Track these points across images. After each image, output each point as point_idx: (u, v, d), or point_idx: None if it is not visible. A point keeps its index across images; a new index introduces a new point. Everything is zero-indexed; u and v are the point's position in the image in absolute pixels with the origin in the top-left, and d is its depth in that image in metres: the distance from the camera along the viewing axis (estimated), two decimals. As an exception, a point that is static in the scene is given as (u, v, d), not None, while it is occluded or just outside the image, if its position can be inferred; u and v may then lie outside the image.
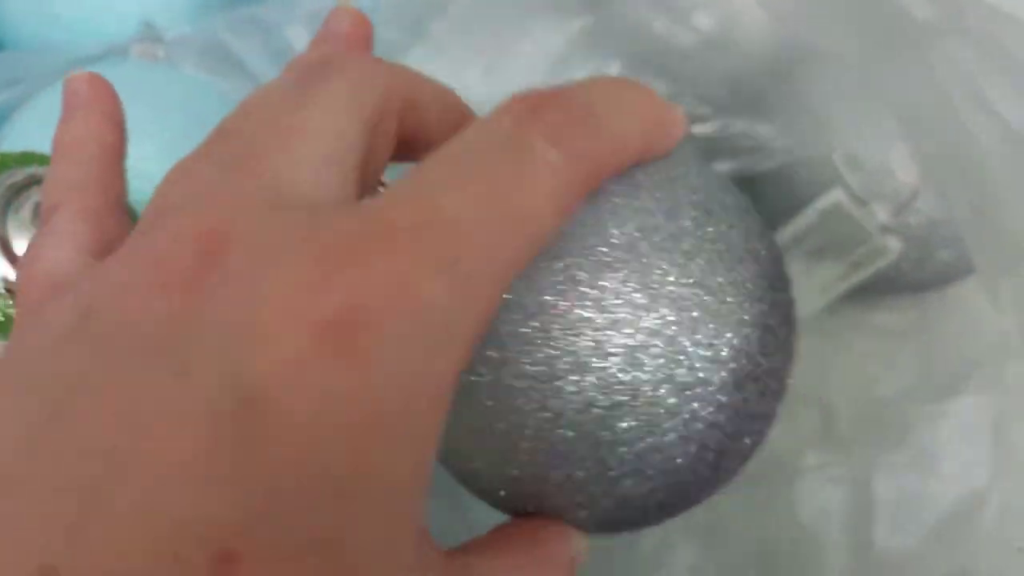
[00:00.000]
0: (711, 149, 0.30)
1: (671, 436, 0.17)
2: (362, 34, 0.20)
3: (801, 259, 0.33)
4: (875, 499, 0.29)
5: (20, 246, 0.22)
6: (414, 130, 0.18)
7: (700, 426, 0.17)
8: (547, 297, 0.16)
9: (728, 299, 0.17)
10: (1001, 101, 0.21)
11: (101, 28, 0.35)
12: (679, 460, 0.17)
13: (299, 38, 0.31)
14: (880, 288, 0.33)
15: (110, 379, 0.13)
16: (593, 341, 0.16)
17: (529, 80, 0.27)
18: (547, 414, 0.16)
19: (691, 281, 0.17)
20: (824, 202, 0.32)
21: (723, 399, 0.17)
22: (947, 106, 0.22)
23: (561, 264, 0.16)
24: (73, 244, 0.17)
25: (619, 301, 0.16)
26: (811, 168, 0.33)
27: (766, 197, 0.35)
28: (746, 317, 0.17)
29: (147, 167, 0.29)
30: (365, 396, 0.13)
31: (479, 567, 0.17)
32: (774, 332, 0.18)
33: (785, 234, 0.33)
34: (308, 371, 0.12)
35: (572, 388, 0.16)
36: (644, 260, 0.16)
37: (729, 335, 0.17)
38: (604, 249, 0.16)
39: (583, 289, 0.16)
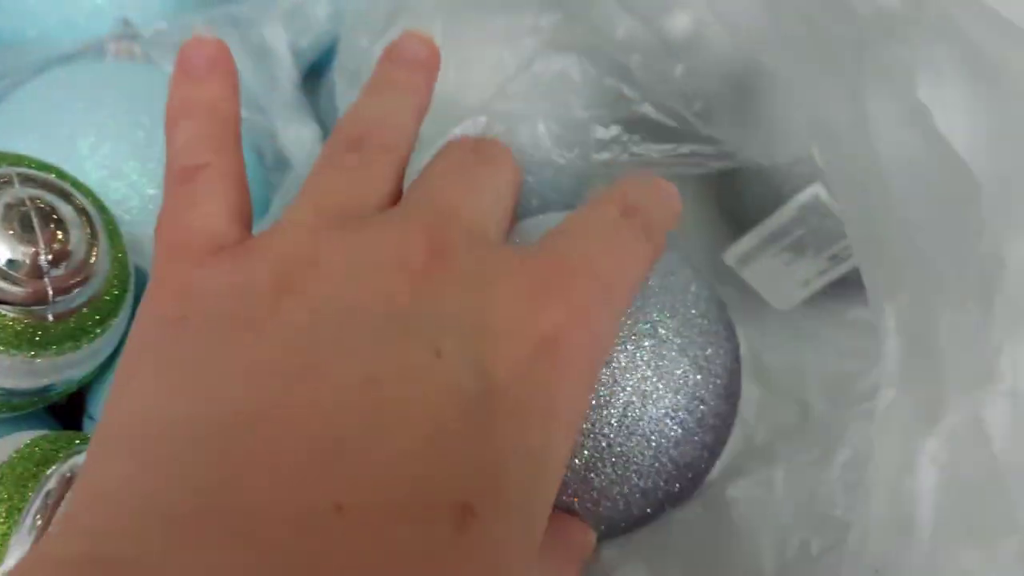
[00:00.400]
0: (674, 156, 0.30)
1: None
2: (435, 63, 0.21)
3: (781, 254, 0.34)
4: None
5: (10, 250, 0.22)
6: None
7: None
8: None
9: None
10: (947, 109, 0.21)
11: (74, 25, 0.35)
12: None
13: (276, 36, 0.30)
14: (859, 284, 0.34)
15: (359, 345, 0.15)
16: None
17: (497, 79, 0.27)
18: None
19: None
20: (804, 197, 0.32)
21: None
22: (861, 122, 0.22)
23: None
24: (226, 207, 0.18)
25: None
26: (790, 164, 0.33)
27: (746, 192, 0.35)
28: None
29: (123, 166, 0.28)
30: (562, 396, 0.16)
31: None
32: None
33: (765, 229, 0.33)
34: (531, 371, 0.15)
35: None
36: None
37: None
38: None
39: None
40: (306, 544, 0.13)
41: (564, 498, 0.23)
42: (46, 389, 0.24)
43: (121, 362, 0.16)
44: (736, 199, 0.37)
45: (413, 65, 0.21)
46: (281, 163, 0.31)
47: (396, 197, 0.19)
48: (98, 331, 0.24)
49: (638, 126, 0.31)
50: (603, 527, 0.24)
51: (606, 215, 0.19)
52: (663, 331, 0.22)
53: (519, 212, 0.23)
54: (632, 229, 0.19)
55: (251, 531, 0.13)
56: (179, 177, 0.18)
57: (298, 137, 0.30)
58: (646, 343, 0.21)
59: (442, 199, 0.18)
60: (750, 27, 0.27)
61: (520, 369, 0.15)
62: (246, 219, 0.18)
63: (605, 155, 0.30)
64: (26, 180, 0.23)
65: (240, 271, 0.16)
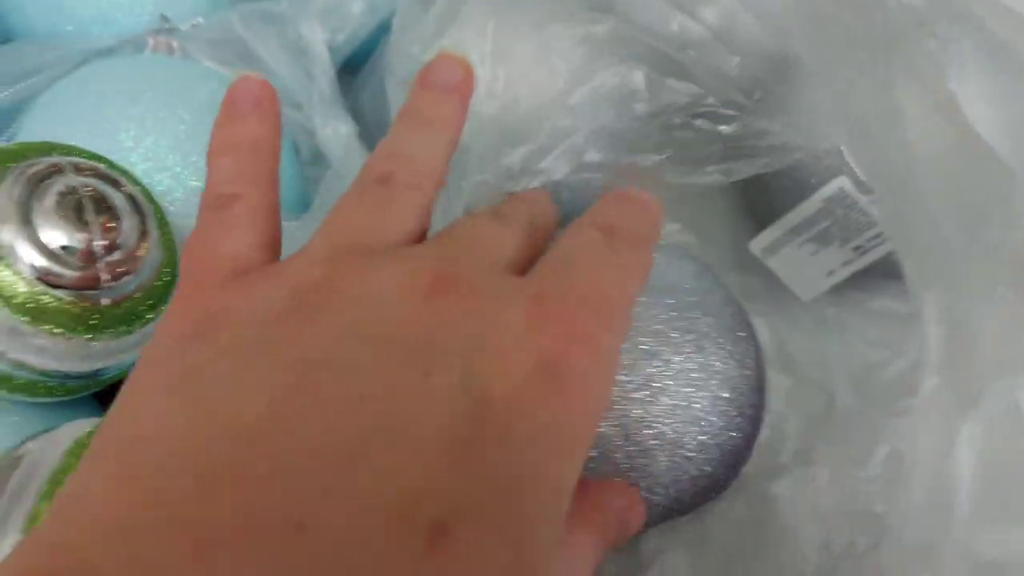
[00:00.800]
0: (735, 149, 0.30)
1: None
2: (469, 87, 0.22)
3: (806, 244, 0.34)
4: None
5: (47, 235, 0.23)
6: None
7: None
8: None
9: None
10: (974, 101, 0.21)
11: (112, 20, 0.35)
12: None
13: (313, 33, 0.31)
14: (884, 274, 0.34)
15: (354, 367, 0.15)
16: None
17: (554, 88, 0.27)
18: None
19: None
20: (829, 189, 0.33)
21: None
22: (895, 112, 0.22)
23: None
24: (256, 235, 0.19)
25: None
26: (817, 156, 0.33)
27: (772, 185, 0.36)
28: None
29: (166, 158, 0.29)
30: (566, 417, 0.16)
31: None
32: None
33: (791, 220, 0.34)
34: (530, 394, 0.16)
35: None
36: None
37: None
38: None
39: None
40: (261, 561, 0.13)
41: None
42: (99, 373, 0.25)
43: (130, 374, 0.17)
44: (761, 191, 0.37)
45: (447, 91, 0.21)
46: (317, 159, 0.31)
47: (419, 234, 0.19)
48: (150, 316, 0.25)
49: (698, 125, 0.32)
50: (653, 513, 0.26)
51: (589, 239, 0.19)
52: (704, 329, 0.24)
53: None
54: (615, 247, 0.19)
55: (211, 545, 0.13)
56: (213, 204, 0.19)
57: (335, 133, 0.30)
58: (689, 339, 0.22)
59: (462, 231, 0.19)
60: (781, 19, 0.27)
61: (517, 392, 0.15)
62: (275, 248, 0.19)
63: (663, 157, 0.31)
64: (79, 169, 0.24)
65: (256, 295, 0.17)
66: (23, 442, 0.23)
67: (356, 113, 0.32)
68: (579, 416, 0.16)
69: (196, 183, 0.29)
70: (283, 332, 0.16)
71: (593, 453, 0.25)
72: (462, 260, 0.18)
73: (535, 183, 0.29)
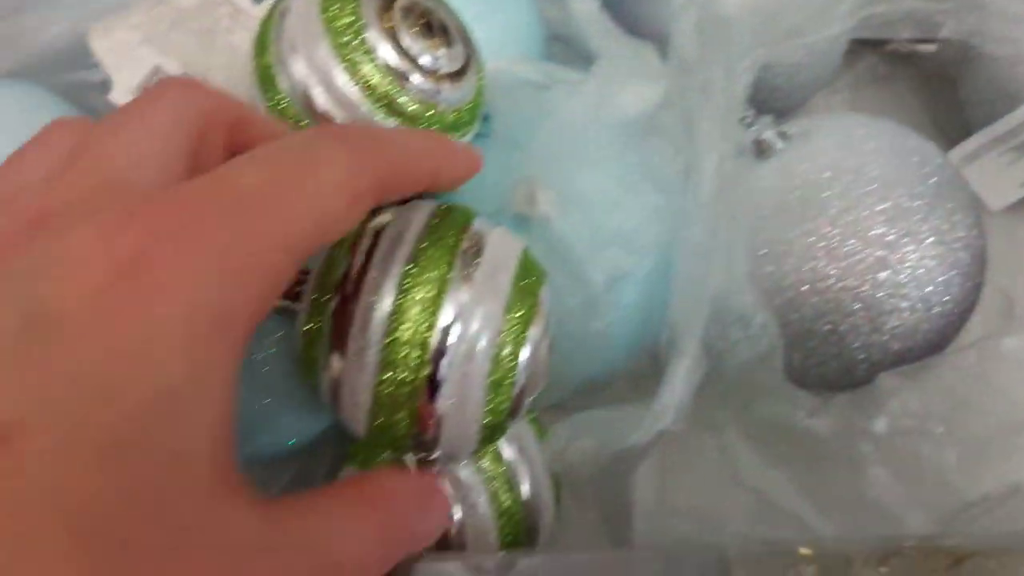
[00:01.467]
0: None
1: None
2: None
3: (1006, 154, 0.37)
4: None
5: (404, 41, 0.25)
6: (244, 144, 0.22)
7: None
8: None
9: None
10: None
11: None
12: None
13: None
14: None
15: None
16: None
17: None
18: None
19: None
20: (1037, 101, 0.35)
21: None
22: None
23: None
24: None
25: None
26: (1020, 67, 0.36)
27: (974, 97, 0.38)
28: None
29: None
30: (150, 312, 0.15)
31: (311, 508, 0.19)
32: None
33: (995, 130, 0.36)
34: (107, 296, 0.15)
35: None
36: None
37: None
38: None
39: None
40: None
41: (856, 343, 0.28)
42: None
43: None
44: (952, 103, 0.40)
45: None
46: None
47: None
48: (467, 130, 0.28)
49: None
50: (892, 355, 0.28)
51: (293, 136, 0.20)
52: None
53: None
54: (317, 141, 0.19)
55: None
56: None
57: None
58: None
59: (73, 159, 0.19)
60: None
61: (93, 296, 0.15)
62: None
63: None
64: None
65: None
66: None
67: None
68: (170, 307, 0.16)
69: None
70: None
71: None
72: (69, 189, 0.18)
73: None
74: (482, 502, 0.27)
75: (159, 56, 0.32)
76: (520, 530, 0.27)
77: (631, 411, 0.28)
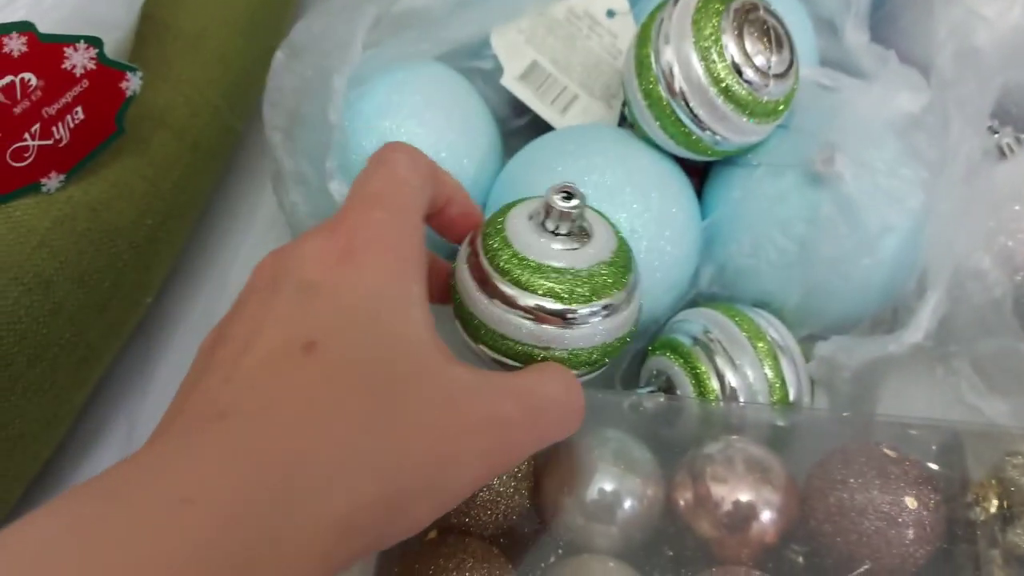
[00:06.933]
0: None
1: None
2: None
3: None
4: None
5: (748, 45, 0.36)
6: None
7: None
8: None
9: None
10: None
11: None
12: None
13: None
14: None
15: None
16: None
17: None
18: None
19: None
20: None
21: None
22: None
23: None
24: None
25: None
26: None
27: None
28: None
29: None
30: (362, 277, 0.25)
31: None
32: None
33: None
34: (335, 270, 0.25)
35: None
36: None
37: None
38: None
39: None
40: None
41: None
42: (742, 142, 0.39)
43: None
44: None
45: None
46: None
47: None
48: (777, 116, 0.38)
49: None
50: None
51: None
52: None
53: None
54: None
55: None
56: None
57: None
58: None
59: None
60: None
61: (331, 268, 0.24)
62: None
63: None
64: (766, 9, 0.37)
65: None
66: None
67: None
68: (383, 258, 0.24)
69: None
70: None
71: None
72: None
73: None
74: (761, 399, 0.36)
75: (536, 54, 0.44)
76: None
77: (878, 338, 0.37)
